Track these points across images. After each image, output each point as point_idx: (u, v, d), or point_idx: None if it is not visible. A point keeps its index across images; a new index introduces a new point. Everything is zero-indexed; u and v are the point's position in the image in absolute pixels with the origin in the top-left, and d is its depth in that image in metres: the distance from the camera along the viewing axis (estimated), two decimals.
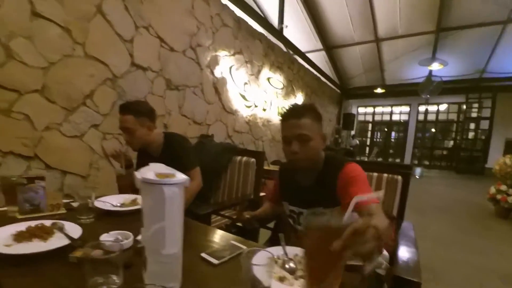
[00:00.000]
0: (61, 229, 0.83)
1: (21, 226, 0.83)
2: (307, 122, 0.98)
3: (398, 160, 11.91)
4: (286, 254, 0.81)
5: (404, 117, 12.12)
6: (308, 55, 6.62)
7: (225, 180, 2.02)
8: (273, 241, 1.43)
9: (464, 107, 10.32)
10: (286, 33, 5.62)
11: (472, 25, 6.37)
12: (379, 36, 7.20)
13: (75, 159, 2.40)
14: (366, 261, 0.47)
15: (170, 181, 0.58)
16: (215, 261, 0.73)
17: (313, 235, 0.51)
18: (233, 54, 4.00)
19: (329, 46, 7.64)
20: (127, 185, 1.47)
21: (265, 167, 2.86)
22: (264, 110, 4.92)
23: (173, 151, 1.55)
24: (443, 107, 11.25)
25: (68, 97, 2.29)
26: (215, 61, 3.67)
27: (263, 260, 0.58)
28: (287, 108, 1.07)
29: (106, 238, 0.80)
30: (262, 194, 1.92)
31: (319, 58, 7.79)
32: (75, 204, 1.13)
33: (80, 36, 2.31)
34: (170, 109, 3.15)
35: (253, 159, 1.90)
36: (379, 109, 12.73)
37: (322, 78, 7.76)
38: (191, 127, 3.45)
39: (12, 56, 1.98)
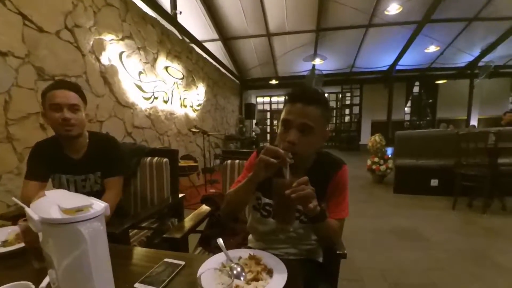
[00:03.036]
0: None
1: None
2: (316, 112, 0.86)
3: None
4: (230, 259, 0.74)
5: None
6: (205, 44, 6.47)
7: (135, 187, 1.73)
8: (204, 244, 1.33)
9: (340, 96, 12.65)
10: (181, 20, 5.31)
11: (343, 27, 7.54)
12: (270, 31, 7.68)
13: None
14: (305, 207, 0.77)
15: (87, 216, 0.41)
16: None
17: (278, 188, 0.77)
18: (122, 39, 3.49)
19: (225, 37, 7.68)
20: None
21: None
22: (166, 102, 4.57)
23: (102, 153, 1.33)
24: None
25: None
26: (100, 46, 3.12)
27: (210, 275, 0.56)
28: (297, 87, 0.92)
29: None
30: (181, 195, 1.75)
31: (217, 49, 7.76)
32: None
33: None
34: None
35: (165, 159, 1.69)
36: (275, 99, 13.91)
37: (222, 69, 7.78)
38: None
39: None
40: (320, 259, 1.04)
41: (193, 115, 5.76)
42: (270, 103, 14.11)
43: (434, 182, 4.14)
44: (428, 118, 12.03)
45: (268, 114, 14.42)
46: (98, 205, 0.45)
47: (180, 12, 5.28)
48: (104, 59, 3.17)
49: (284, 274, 0.66)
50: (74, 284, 0.44)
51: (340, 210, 0.94)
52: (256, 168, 0.83)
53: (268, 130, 14.46)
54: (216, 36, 7.42)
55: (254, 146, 8.54)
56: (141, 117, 3.93)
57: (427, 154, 4.24)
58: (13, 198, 0.77)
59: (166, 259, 0.72)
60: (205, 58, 6.47)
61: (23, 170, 2.28)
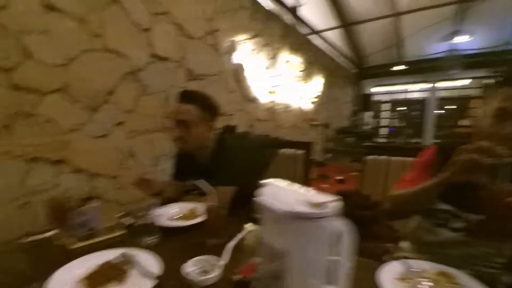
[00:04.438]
0: (134, 264, 0.69)
1: (87, 264, 0.69)
2: None
3: (417, 141, 11.52)
4: (413, 271, 0.66)
5: (423, 95, 11.61)
6: (324, 34, 6.27)
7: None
8: None
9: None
10: (302, 11, 5.29)
11: None
12: (398, 10, 6.72)
13: (102, 160, 2.30)
14: None
15: (330, 212, 0.45)
16: None
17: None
18: (251, 38, 3.76)
19: (346, 23, 7.22)
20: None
21: None
22: (284, 95, 4.71)
23: (224, 159, 1.28)
24: (464, 82, 10.69)
25: (90, 95, 2.16)
26: (233, 47, 3.46)
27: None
28: None
29: (191, 268, 0.66)
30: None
31: (336, 38, 7.40)
32: (129, 221, 0.97)
33: (97, 28, 2.14)
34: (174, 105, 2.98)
35: (301, 151, 1.70)
36: (396, 88, 12.23)
37: (339, 59, 7.40)
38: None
39: (29, 54, 1.85)
40: None
41: (308, 107, 5.75)
42: (390, 93, 12.53)
43: None
44: None
45: (386, 105, 12.86)
46: (335, 203, 0.47)
47: (303, 4, 5.26)
48: (236, 58, 3.50)
49: None
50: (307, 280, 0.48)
51: None
52: (454, 169, 0.69)
53: (384, 123, 12.92)
54: (336, 23, 7.07)
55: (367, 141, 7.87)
56: (262, 110, 4.19)
57: None
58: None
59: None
60: (323, 48, 6.29)
61: (175, 153, 2.81)
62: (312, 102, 5.87)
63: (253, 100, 3.95)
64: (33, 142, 1.92)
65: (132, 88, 2.42)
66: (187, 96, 1.26)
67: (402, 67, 8.89)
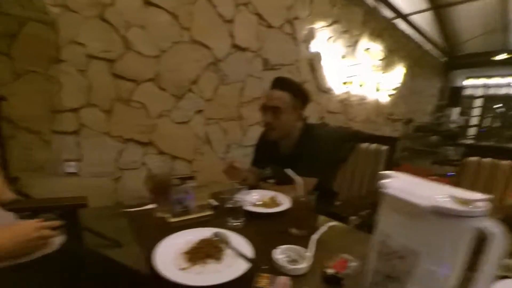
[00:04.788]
0: (228, 244, 0.72)
1: (185, 238, 0.74)
2: None
3: None
4: None
5: None
6: (411, 18, 5.55)
7: (344, 174, 1.69)
8: None
9: None
10: None
11: None
12: None
13: (182, 144, 2.46)
14: None
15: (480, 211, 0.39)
16: None
17: None
18: (330, 25, 3.53)
19: (439, 4, 6.27)
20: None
21: None
22: (360, 86, 4.37)
23: (309, 149, 1.24)
24: None
25: (176, 84, 2.31)
26: (311, 35, 3.30)
27: None
28: None
29: (279, 255, 0.67)
30: None
31: (425, 21, 6.51)
32: (215, 203, 1.02)
33: (186, 21, 2.26)
34: (266, 91, 2.97)
35: (384, 147, 1.54)
36: (494, 81, 10.29)
37: (426, 46, 6.52)
38: None
39: (130, 46, 2.04)
40: None
41: (385, 100, 5.25)
42: (486, 86, 10.59)
43: None
44: None
45: (479, 101, 10.93)
46: (485, 199, 0.41)
47: None
48: (313, 46, 3.34)
49: None
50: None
51: None
52: None
53: (474, 122, 11.03)
54: (426, 5, 6.21)
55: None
56: (335, 102, 3.96)
57: None
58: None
59: None
60: (408, 34, 5.60)
61: (244, 142, 2.86)
62: (390, 95, 5.33)
63: (326, 91, 3.75)
64: (128, 125, 2.14)
65: (213, 77, 2.51)
66: (280, 83, 1.24)
67: (505, 55, 7.42)
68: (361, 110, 4.63)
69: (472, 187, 1.31)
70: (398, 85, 5.52)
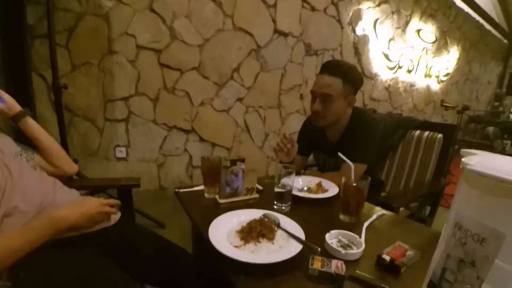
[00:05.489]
0: (279, 226, 0.73)
1: (236, 218, 0.77)
2: None
3: None
4: None
5: None
6: None
7: (392, 162, 1.58)
8: None
9: None
10: None
11: None
12: None
13: (222, 132, 2.48)
14: None
15: None
16: None
17: None
18: (378, 5, 3.27)
19: None
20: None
21: None
22: (409, 72, 4.04)
23: (352, 139, 1.19)
24: None
25: (219, 72, 2.30)
26: (357, 16, 3.09)
27: None
28: None
29: (331, 239, 0.68)
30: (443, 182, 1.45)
31: None
32: (260, 187, 1.03)
33: (229, 8, 2.22)
34: (307, 77, 2.86)
35: (439, 135, 1.41)
36: None
37: (486, 25, 5.81)
38: None
39: (175, 36, 2.06)
40: None
41: (435, 87, 4.83)
42: None
43: None
44: None
45: None
46: None
47: None
48: (359, 29, 3.14)
49: None
50: None
51: None
52: None
53: None
54: None
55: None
56: (380, 89, 3.72)
57: None
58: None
59: None
60: (466, 12, 5.03)
61: (283, 131, 2.80)
62: (442, 81, 4.89)
63: (372, 76, 3.52)
64: (172, 113, 2.19)
65: (253, 65, 2.46)
66: (331, 68, 1.14)
67: None
68: (409, 97, 4.31)
69: None
70: (451, 70, 5.03)
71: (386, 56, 3.55)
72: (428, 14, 4.10)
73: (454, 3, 4.70)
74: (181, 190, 1.00)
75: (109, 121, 2.00)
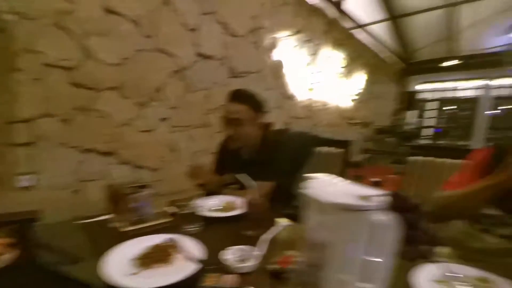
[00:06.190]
0: (180, 249, 0.76)
1: (138, 246, 0.77)
2: None
3: (464, 143, 10.58)
4: (454, 275, 0.64)
5: (475, 93, 10.56)
6: (369, 28, 5.93)
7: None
8: None
9: None
10: (347, 5, 5.04)
11: None
12: (453, 0, 6.13)
13: (147, 153, 2.45)
14: None
15: (376, 205, 0.47)
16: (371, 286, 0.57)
17: None
18: (293, 34, 3.69)
19: (394, 15, 6.76)
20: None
21: None
22: (324, 92, 4.59)
23: (268, 155, 1.30)
24: None
25: (141, 92, 2.30)
26: (275, 44, 3.43)
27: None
28: None
29: (230, 256, 0.71)
30: None
31: (382, 31, 6.97)
32: (173, 209, 1.04)
33: (150, 30, 2.26)
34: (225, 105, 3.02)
35: (339, 150, 1.65)
36: (445, 85, 11.25)
37: (384, 54, 6.99)
38: None
39: (89, 54, 2.00)
40: None
41: (347, 105, 5.56)
42: (437, 90, 11.51)
43: None
44: None
45: (432, 104, 11.85)
46: (382, 196, 0.48)
47: None
48: (277, 55, 3.47)
49: None
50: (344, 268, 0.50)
51: None
52: (507, 174, 0.68)
53: (429, 123, 11.95)
54: (383, 16, 6.65)
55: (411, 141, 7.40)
56: (299, 108, 4.13)
57: None
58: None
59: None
60: (367, 43, 5.98)
61: (212, 149, 2.89)
62: (352, 100, 5.66)
63: (291, 97, 3.90)
64: (88, 135, 2.09)
65: (178, 85, 2.53)
66: (238, 96, 1.29)
67: (455, 62, 8.16)
68: (325, 115, 4.87)
69: (416, 184, 1.48)
70: (360, 90, 5.87)
71: (302, 80, 3.98)
72: (338, 44, 4.76)
73: (357, 35, 5.56)
74: (85, 221, 0.98)
75: (12, 145, 1.81)
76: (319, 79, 4.37)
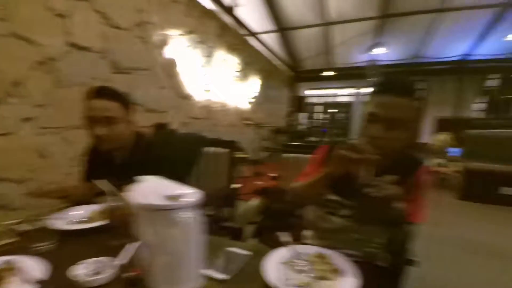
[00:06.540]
0: (17, 272, 0.65)
1: None
2: (408, 104, 0.84)
3: (342, 139, 12.71)
4: (297, 255, 0.74)
5: (350, 99, 12.91)
6: (261, 36, 6.50)
7: (197, 177, 1.82)
8: (259, 235, 1.35)
9: None
10: (239, 12, 5.40)
11: (411, 13, 6.85)
12: (328, 20, 7.35)
13: (7, 162, 2.00)
14: None
15: (183, 204, 0.48)
16: (224, 276, 0.63)
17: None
18: (185, 34, 3.69)
19: (282, 27, 7.59)
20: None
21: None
22: (221, 94, 4.74)
23: (143, 157, 1.21)
24: None
25: None
26: (166, 41, 3.36)
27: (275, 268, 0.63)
28: (387, 77, 0.92)
29: (82, 271, 0.65)
30: (236, 186, 1.81)
31: (273, 40, 7.72)
32: (24, 227, 0.89)
33: (2, 11, 1.86)
34: (87, 103, 2.78)
35: (226, 150, 1.73)
36: (326, 92, 13.37)
37: (276, 61, 7.75)
38: (143, 116, 3.15)
39: None
40: (382, 264, 1.00)
41: (245, 107, 5.89)
42: (321, 96, 13.60)
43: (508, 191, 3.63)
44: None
45: (318, 107, 13.90)
46: (193, 195, 0.50)
47: (240, 6, 5.36)
48: (169, 53, 3.40)
49: (354, 278, 0.64)
50: (164, 264, 0.52)
51: (413, 213, 0.89)
52: (332, 163, 0.81)
53: (317, 124, 13.98)
54: (272, 27, 7.38)
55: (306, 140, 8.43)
56: (197, 108, 4.14)
57: (504, 157, 3.71)
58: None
59: (228, 248, 0.76)
60: (260, 50, 6.52)
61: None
62: (249, 102, 6.03)
63: (187, 97, 3.88)
64: None
65: (44, 79, 2.16)
66: (106, 93, 1.16)
67: (332, 72, 9.76)
68: (225, 116, 5.03)
69: (289, 177, 1.68)
70: (256, 94, 6.32)
71: (198, 80, 4.02)
72: (232, 48, 5.01)
73: (250, 42, 5.99)
74: None
75: None
76: (214, 81, 4.49)
